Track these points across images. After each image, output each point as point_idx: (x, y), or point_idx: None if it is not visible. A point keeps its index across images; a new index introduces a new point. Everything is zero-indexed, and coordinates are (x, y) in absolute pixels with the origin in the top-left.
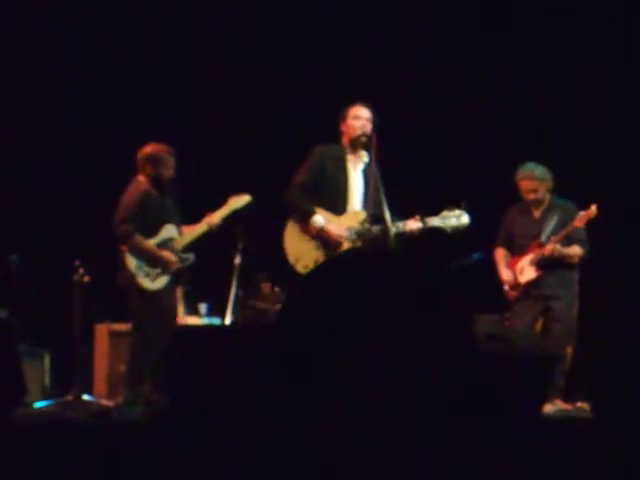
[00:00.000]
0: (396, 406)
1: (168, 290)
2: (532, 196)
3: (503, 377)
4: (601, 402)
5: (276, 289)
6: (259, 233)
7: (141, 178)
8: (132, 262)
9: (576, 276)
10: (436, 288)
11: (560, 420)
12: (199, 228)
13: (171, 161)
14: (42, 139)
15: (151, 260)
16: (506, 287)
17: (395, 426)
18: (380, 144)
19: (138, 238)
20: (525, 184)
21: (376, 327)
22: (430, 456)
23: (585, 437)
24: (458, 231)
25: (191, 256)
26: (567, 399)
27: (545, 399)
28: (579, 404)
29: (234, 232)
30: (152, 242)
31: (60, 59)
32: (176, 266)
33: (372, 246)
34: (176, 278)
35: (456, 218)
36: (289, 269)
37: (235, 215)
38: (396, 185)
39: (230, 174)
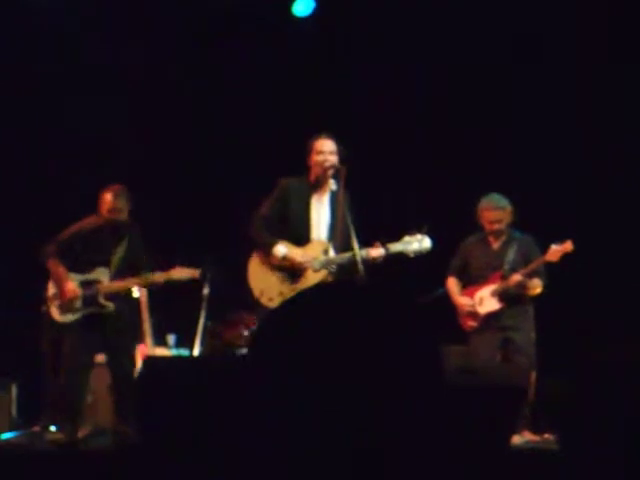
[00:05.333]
0: (365, 439)
1: (77, 328)
2: (496, 226)
3: (471, 409)
4: (566, 433)
5: (245, 320)
6: (228, 263)
7: (98, 215)
8: (51, 289)
9: (532, 309)
10: (405, 321)
11: (528, 451)
12: (131, 283)
13: (118, 203)
14: (16, 172)
15: (56, 286)
16: (462, 314)
17: (365, 459)
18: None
19: (54, 261)
20: (490, 214)
21: (345, 360)
22: None
23: (552, 469)
24: (421, 255)
25: (111, 305)
26: (535, 430)
27: (514, 431)
28: (546, 435)
29: (203, 262)
30: (76, 277)
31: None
32: (73, 300)
33: (340, 275)
34: (90, 320)
35: (418, 243)
36: (254, 302)
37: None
38: (357, 212)
39: (198, 206)
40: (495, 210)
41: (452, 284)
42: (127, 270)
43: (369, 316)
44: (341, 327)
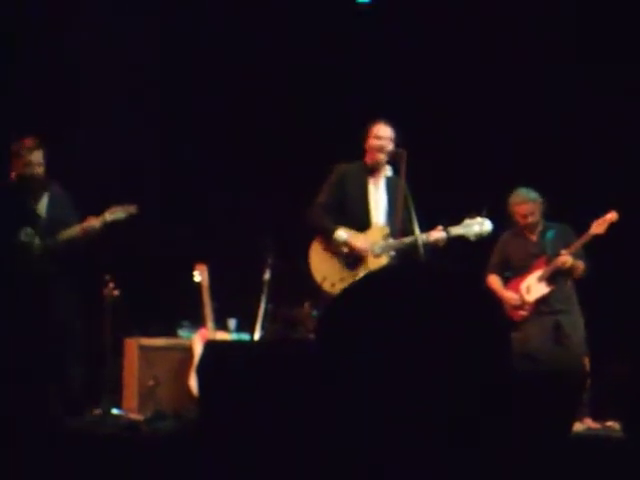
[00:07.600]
0: (432, 423)
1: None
2: (530, 219)
3: (533, 396)
4: (632, 421)
5: (306, 305)
6: (289, 248)
7: (12, 175)
8: None
9: (574, 291)
10: (475, 304)
11: (590, 439)
12: (71, 232)
13: (32, 157)
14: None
15: None
16: (510, 308)
17: (429, 442)
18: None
19: None
20: (522, 208)
21: (415, 342)
22: (459, 473)
23: (616, 456)
24: (481, 238)
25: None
26: (596, 418)
27: (575, 418)
28: (609, 423)
29: (263, 247)
30: None
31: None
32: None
33: (400, 259)
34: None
35: (479, 225)
36: (317, 288)
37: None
38: (416, 197)
39: (262, 185)
40: (526, 203)
41: (494, 281)
42: (57, 228)
43: (438, 299)
44: (409, 310)
